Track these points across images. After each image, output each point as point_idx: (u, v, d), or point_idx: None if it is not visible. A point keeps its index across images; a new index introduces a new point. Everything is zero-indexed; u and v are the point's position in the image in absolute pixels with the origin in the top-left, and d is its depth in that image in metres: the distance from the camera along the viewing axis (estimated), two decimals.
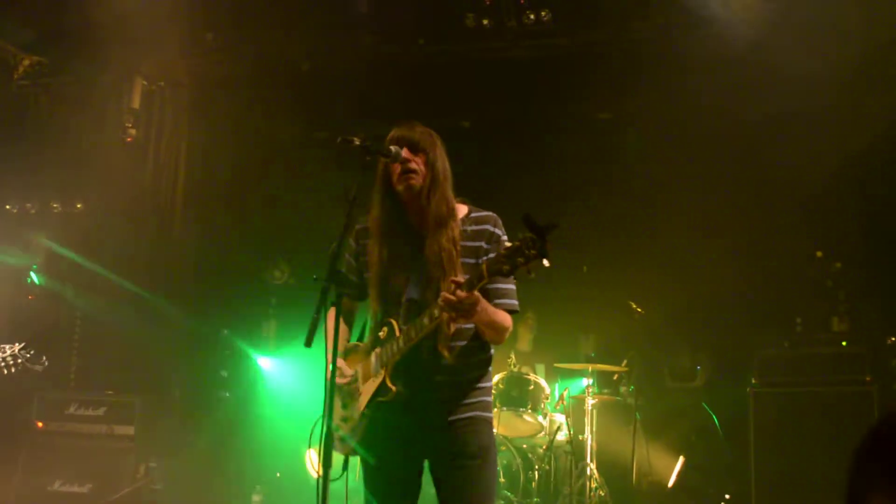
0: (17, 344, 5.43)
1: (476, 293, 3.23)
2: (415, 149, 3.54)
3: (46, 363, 5.52)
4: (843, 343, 7.16)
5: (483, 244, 3.54)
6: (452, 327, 3.39)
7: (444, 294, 3.23)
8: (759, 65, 7.24)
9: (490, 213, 3.65)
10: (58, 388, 8.02)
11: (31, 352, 5.45)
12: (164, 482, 7.80)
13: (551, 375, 7.86)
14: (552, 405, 7.41)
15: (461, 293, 3.19)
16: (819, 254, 7.80)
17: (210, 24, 8.27)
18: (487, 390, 3.62)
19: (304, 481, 8.09)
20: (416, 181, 3.51)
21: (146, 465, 7.74)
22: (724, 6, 7.24)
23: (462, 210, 3.63)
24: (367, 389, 3.53)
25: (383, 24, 8.13)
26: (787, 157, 7.26)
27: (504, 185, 7.90)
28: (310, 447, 8.20)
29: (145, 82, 8.82)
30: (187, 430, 8.38)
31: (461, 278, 3.25)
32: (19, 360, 5.38)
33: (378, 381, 3.48)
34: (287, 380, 9.24)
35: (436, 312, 3.31)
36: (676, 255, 8.02)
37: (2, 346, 5.39)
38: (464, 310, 3.24)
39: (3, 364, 5.34)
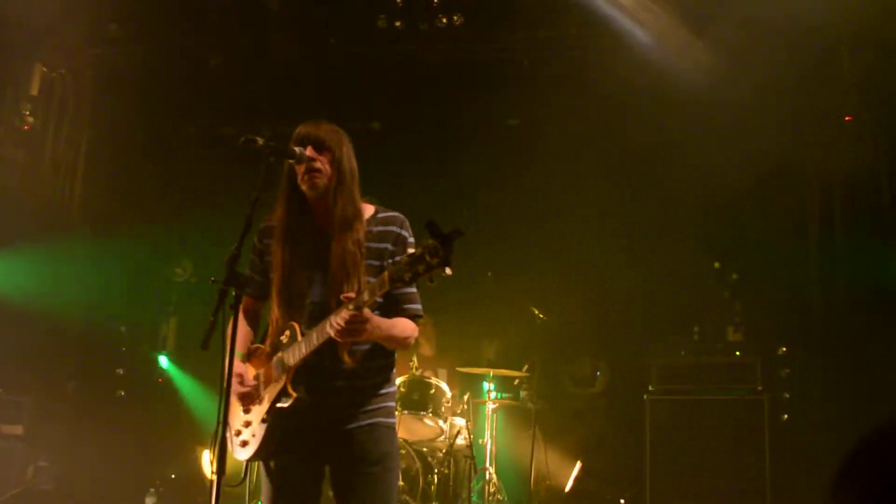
0: None
1: (365, 312, 3.19)
2: (320, 147, 3.46)
3: None
4: (737, 353, 7.36)
5: (389, 246, 3.49)
6: None
7: (333, 320, 3.20)
8: (667, 77, 7.39)
9: (397, 214, 3.59)
10: None
11: None
12: (55, 483, 7.58)
13: (453, 379, 7.88)
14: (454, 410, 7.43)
15: (346, 314, 3.16)
16: (717, 265, 8.00)
17: (115, 14, 8.06)
18: (390, 396, 3.58)
19: (200, 483, 7.95)
20: (321, 181, 3.45)
21: (35, 465, 7.51)
22: (635, 21, 7.37)
23: (368, 210, 3.57)
24: (269, 394, 3.45)
25: (294, 22, 8.04)
26: (689, 170, 7.43)
27: (412, 188, 7.89)
28: (207, 448, 8.09)
29: (45, 69, 8.54)
30: (80, 430, 8.15)
31: (353, 293, 3.22)
32: None
33: (279, 385, 3.40)
34: (185, 380, 9.07)
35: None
36: (579, 262, 8.14)
37: None
38: (351, 331, 3.20)
39: None
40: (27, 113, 8.44)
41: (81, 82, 8.66)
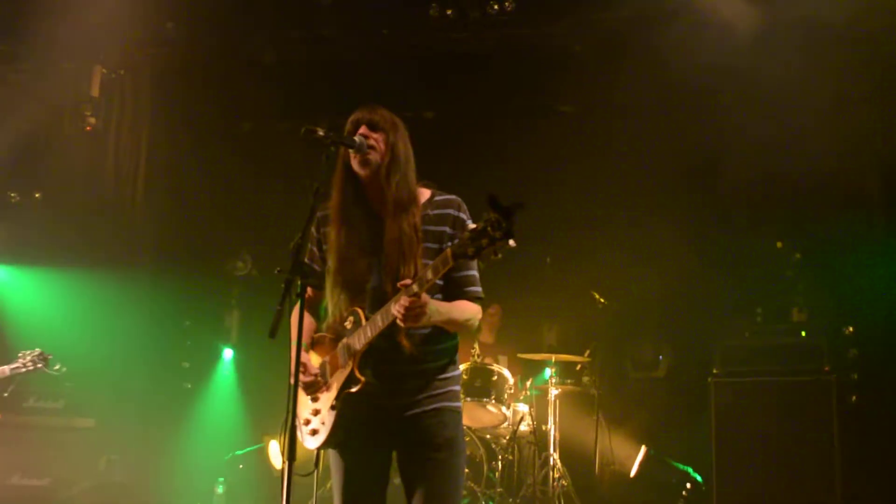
0: (36, 350, 6.43)
1: (423, 297, 3.19)
2: (374, 127, 3.49)
3: (64, 369, 6.54)
4: (803, 333, 7.25)
5: (447, 229, 3.48)
6: None
7: (393, 308, 3.21)
8: (725, 60, 7.28)
9: (454, 197, 3.58)
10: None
11: (49, 356, 6.41)
12: (125, 475, 7.73)
13: (515, 366, 7.88)
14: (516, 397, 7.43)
15: (405, 301, 3.17)
16: (779, 244, 7.89)
17: (170, 13, 8.18)
18: (454, 379, 3.57)
19: (268, 473, 8.07)
20: (374, 157, 3.45)
21: (107, 457, 7.67)
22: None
23: (425, 194, 3.57)
24: (336, 381, 3.46)
25: (346, 14, 8.08)
26: (750, 151, 7.33)
27: (467, 177, 7.80)
28: (273, 438, 8.20)
29: (105, 70, 8.69)
30: (149, 423, 8.31)
31: (409, 280, 3.23)
32: (38, 364, 6.35)
33: (346, 371, 3.41)
34: (250, 371, 9.20)
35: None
36: (639, 245, 8.08)
37: (24, 351, 6.41)
38: (411, 316, 3.20)
39: (23, 365, 6.32)
40: (89, 114, 8.61)
41: (140, 82, 8.80)
